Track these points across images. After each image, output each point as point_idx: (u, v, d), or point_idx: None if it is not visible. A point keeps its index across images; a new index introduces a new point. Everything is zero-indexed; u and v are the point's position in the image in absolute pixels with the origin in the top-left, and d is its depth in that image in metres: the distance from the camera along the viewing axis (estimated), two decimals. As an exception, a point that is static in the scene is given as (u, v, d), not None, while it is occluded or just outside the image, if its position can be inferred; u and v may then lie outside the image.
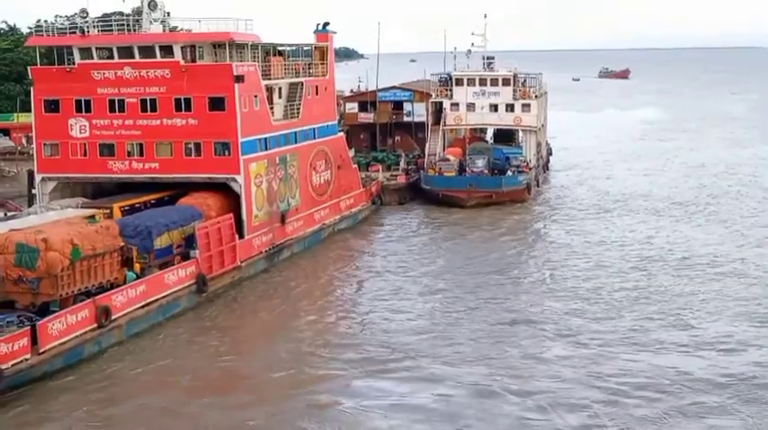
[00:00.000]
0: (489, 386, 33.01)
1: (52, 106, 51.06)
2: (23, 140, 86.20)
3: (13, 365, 32.68)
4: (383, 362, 35.90)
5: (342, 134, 67.49)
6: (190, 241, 45.48)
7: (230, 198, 50.11)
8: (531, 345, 37.55)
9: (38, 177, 52.01)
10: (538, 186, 77.62)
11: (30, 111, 54.19)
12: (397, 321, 41.31)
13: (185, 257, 45.02)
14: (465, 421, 29.94)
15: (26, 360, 33.33)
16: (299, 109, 57.55)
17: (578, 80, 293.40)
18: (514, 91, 76.79)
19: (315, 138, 59.74)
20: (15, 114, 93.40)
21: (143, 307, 40.24)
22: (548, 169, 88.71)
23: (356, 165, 68.85)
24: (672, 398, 31.65)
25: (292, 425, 30.11)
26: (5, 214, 53.28)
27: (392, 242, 58.78)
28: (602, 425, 29.57)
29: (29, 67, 53.65)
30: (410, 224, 64.85)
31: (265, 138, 52.85)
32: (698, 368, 34.43)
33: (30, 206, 53.35)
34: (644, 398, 31.60)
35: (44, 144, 51.58)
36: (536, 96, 78.63)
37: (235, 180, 50.07)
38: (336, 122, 66.61)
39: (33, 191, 53.80)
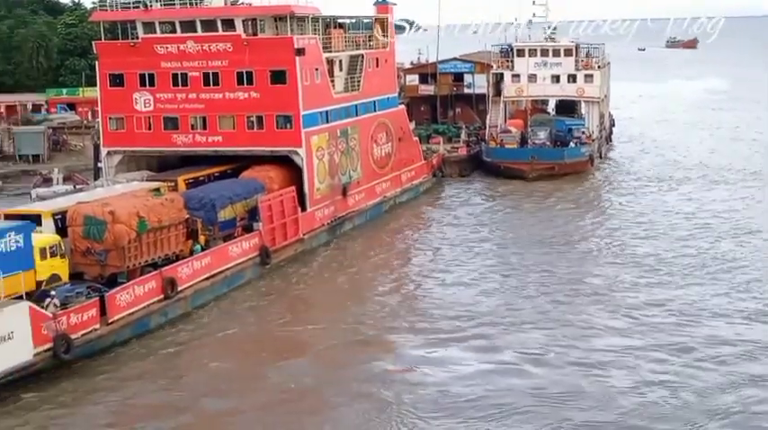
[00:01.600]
0: (548, 355, 32.96)
1: (117, 80, 51.71)
2: (89, 114, 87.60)
3: (82, 335, 33.36)
4: (446, 330, 36.03)
5: (402, 106, 67.36)
6: (253, 214, 45.89)
7: (292, 171, 50.40)
8: (596, 314, 37.39)
9: (103, 151, 52.82)
10: (601, 158, 76.77)
11: (95, 85, 54.98)
12: (459, 291, 41.37)
13: (248, 230, 45.45)
14: (529, 390, 29.87)
15: (95, 330, 34.01)
16: (359, 82, 57.54)
17: (644, 50, 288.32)
18: (577, 61, 75.84)
19: (375, 110, 59.72)
20: (81, 89, 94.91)
21: (208, 278, 40.74)
22: (611, 140, 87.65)
23: (417, 138, 68.72)
24: (743, 364, 31.38)
25: (353, 390, 30.31)
26: (73, 187, 54.30)
27: (453, 214, 58.65)
28: (675, 394, 29.28)
29: (93, 42, 54.37)
30: (471, 196, 64.63)
31: (326, 111, 52.98)
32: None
33: (96, 179, 54.25)
34: (711, 364, 31.35)
35: (109, 118, 52.32)
36: (599, 67, 77.56)
37: (297, 153, 50.32)
38: (397, 95, 66.49)
39: (99, 164, 54.71)
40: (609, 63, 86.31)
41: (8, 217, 37.37)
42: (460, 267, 45.45)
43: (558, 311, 37.99)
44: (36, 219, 37.26)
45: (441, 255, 48.23)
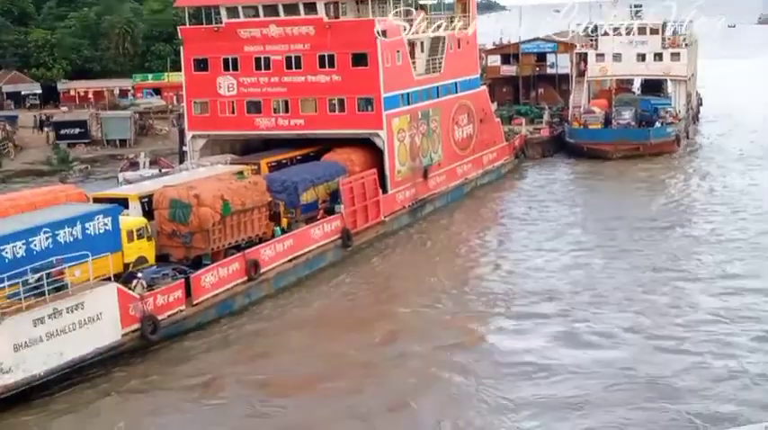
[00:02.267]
0: (633, 333, 32.58)
1: (201, 65, 52.38)
2: (174, 99, 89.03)
3: (168, 316, 34.02)
4: (526, 312, 35.92)
5: (484, 87, 66.84)
6: (334, 196, 46.11)
7: (373, 153, 50.46)
8: (682, 294, 36.98)
9: (188, 135, 53.60)
10: (688, 138, 75.15)
11: (180, 70, 55.77)
12: (542, 272, 41.13)
13: (330, 212, 45.69)
14: (611, 369, 29.53)
15: (181, 311, 34.63)
16: (441, 63, 57.24)
17: (734, 26, 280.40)
18: (663, 39, 74.23)
19: (457, 92, 59.38)
20: (166, 74, 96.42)
21: (290, 260, 41.10)
22: (698, 120, 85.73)
23: (499, 119, 68.17)
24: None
25: (437, 372, 30.43)
26: (159, 171, 55.27)
27: (536, 196, 58.08)
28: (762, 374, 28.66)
29: (178, 28, 55.14)
30: (554, 178, 63.90)
31: (408, 93, 52.86)
32: None
33: (181, 163, 55.13)
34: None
35: (194, 102, 53.05)
36: (686, 44, 75.80)
37: (378, 135, 50.34)
38: (478, 76, 65.95)
39: (184, 148, 55.56)
40: (697, 41, 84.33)
41: (96, 200, 38.32)
42: (542, 249, 45.02)
43: (638, 290, 37.48)
44: (123, 203, 38.09)
45: (523, 236, 47.86)
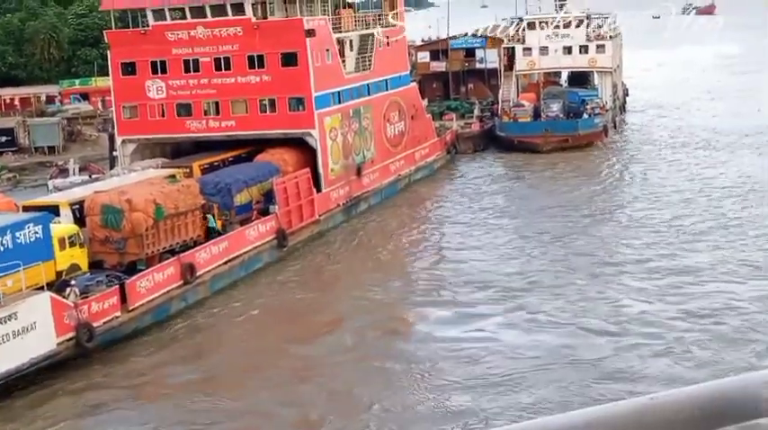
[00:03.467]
0: (566, 317, 33.35)
1: (129, 69, 51.90)
2: (99, 104, 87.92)
3: (104, 323, 33.72)
4: (462, 300, 36.55)
5: (414, 84, 67.32)
6: (268, 197, 46.11)
7: (306, 152, 50.54)
8: (612, 278, 37.84)
9: (118, 140, 53.06)
10: (615, 128, 76.51)
11: (107, 74, 55.16)
12: (476, 262, 41.71)
13: (265, 213, 45.68)
14: (552, 354, 30.11)
15: (116, 317, 34.37)
16: (370, 61, 57.52)
17: (658, 17, 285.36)
18: (588, 32, 75.48)
19: (387, 89, 59.72)
20: (94, 79, 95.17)
21: (226, 263, 41.02)
22: (624, 110, 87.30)
23: (430, 115, 68.67)
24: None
25: (374, 360, 30.78)
26: (89, 177, 54.66)
27: (469, 190, 58.70)
28: (687, 351, 29.51)
29: (104, 32, 54.55)
30: (486, 171, 64.62)
31: (339, 92, 53.04)
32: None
33: (111, 168, 54.59)
34: (724, 323, 31.53)
35: (123, 107, 52.54)
36: (610, 36, 77.18)
37: (310, 134, 50.43)
38: (408, 72, 66.42)
39: (114, 153, 55.00)
40: (620, 32, 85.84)
41: (26, 208, 37.76)
42: (477, 241, 45.63)
43: (582, 278, 38.25)
44: (54, 210, 37.61)
45: (456, 230, 48.40)
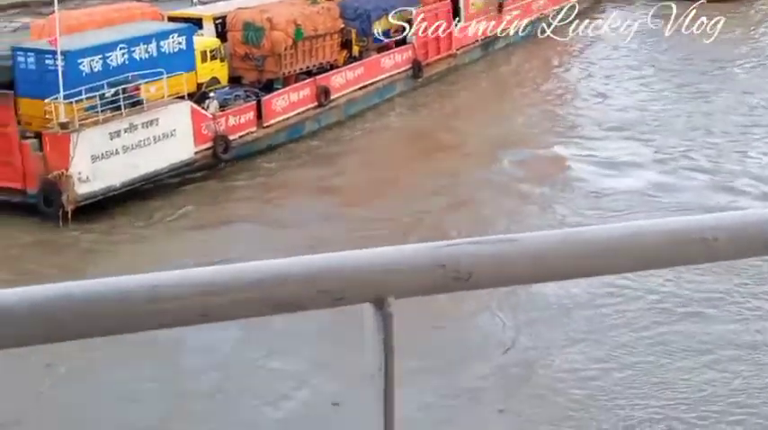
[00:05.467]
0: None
1: None
2: None
3: (240, 137, 34.75)
4: (593, 137, 36.73)
5: None
6: (406, 27, 45.67)
7: (447, -15, 49.48)
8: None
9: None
10: None
11: None
12: (613, 106, 41.05)
13: (402, 43, 45.40)
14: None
15: (252, 132, 35.33)
16: None
17: None
18: None
19: None
20: None
21: (361, 89, 41.27)
22: None
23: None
24: None
25: (510, 186, 31.64)
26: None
27: (613, 34, 56.49)
28: None
29: None
30: (636, 15, 61.78)
31: None
32: None
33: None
34: None
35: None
36: None
37: (454, -35, 49.25)
38: None
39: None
40: None
41: (171, 19, 38.56)
42: (622, 86, 44.54)
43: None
44: (197, 23, 38.34)
45: (597, 72, 47.25)
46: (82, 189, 29.27)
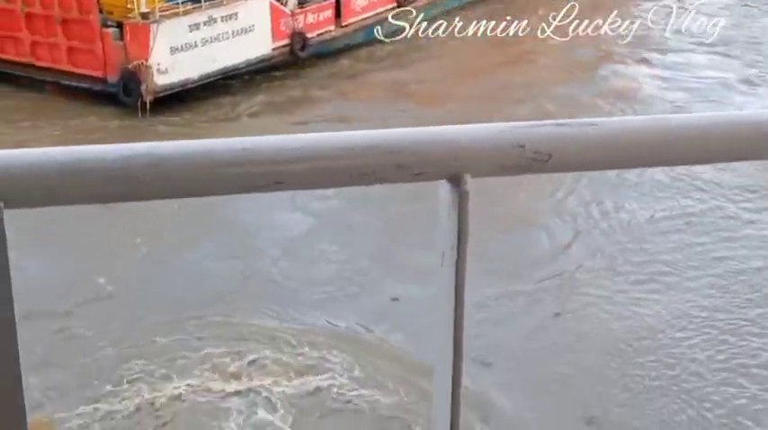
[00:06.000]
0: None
1: None
2: None
3: (317, 35, 34.53)
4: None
5: None
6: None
7: None
8: None
9: None
10: None
11: None
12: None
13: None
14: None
15: (329, 31, 35.07)
16: None
17: None
18: None
19: None
20: None
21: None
22: None
23: None
24: None
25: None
26: None
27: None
28: None
29: None
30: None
31: None
32: None
33: None
34: None
35: None
36: None
37: None
38: None
39: None
40: None
41: None
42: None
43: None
44: None
45: None
46: (161, 80, 29.49)
